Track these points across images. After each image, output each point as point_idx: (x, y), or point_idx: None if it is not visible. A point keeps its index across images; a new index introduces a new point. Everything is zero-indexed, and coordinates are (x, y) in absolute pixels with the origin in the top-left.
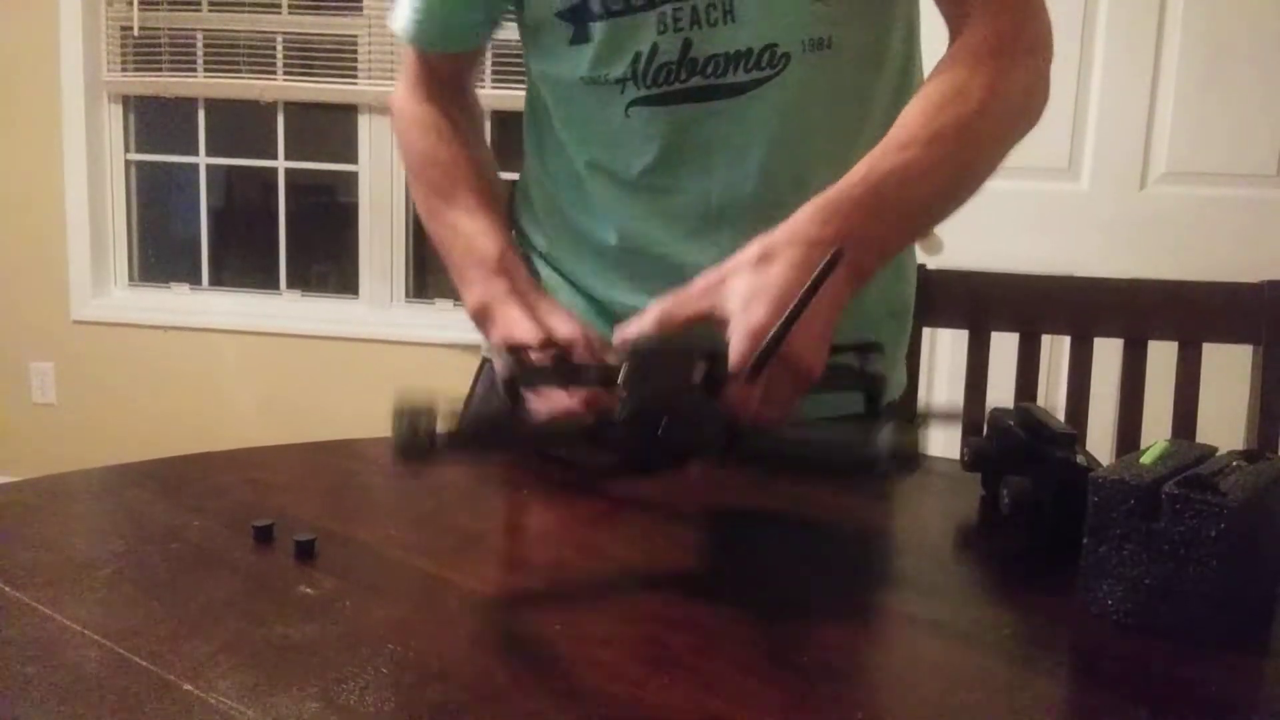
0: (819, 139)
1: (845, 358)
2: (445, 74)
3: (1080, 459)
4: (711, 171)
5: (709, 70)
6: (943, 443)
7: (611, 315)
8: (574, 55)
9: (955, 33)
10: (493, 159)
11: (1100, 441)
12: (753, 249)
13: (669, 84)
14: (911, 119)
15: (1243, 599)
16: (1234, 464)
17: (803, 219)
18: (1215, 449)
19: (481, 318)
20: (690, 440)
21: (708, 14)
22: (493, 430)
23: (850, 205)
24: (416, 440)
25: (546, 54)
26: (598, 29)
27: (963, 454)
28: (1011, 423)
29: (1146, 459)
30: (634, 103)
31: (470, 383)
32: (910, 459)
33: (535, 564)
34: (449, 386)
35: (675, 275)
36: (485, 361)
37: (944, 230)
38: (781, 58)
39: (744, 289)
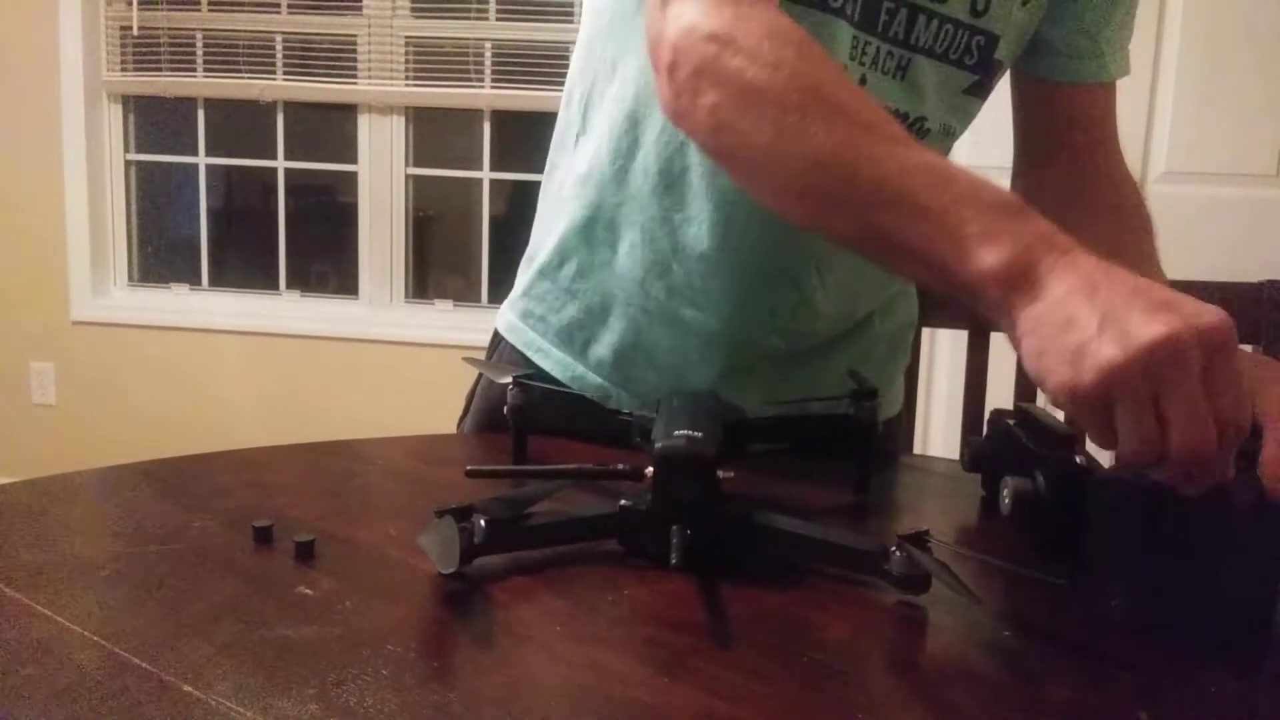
0: None
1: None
2: None
3: (1080, 459)
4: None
5: None
6: (943, 443)
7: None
8: None
9: (1091, 156)
10: None
11: None
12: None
13: None
14: (1137, 228)
15: (1243, 599)
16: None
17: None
18: None
19: (1019, 280)
20: (709, 543)
21: (885, 60)
22: (525, 530)
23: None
24: (462, 551)
25: None
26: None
27: (963, 454)
28: (1011, 423)
29: None
30: None
31: (471, 385)
32: (920, 582)
33: (536, 564)
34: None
35: (710, 296)
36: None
37: None
38: (924, 133)
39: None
